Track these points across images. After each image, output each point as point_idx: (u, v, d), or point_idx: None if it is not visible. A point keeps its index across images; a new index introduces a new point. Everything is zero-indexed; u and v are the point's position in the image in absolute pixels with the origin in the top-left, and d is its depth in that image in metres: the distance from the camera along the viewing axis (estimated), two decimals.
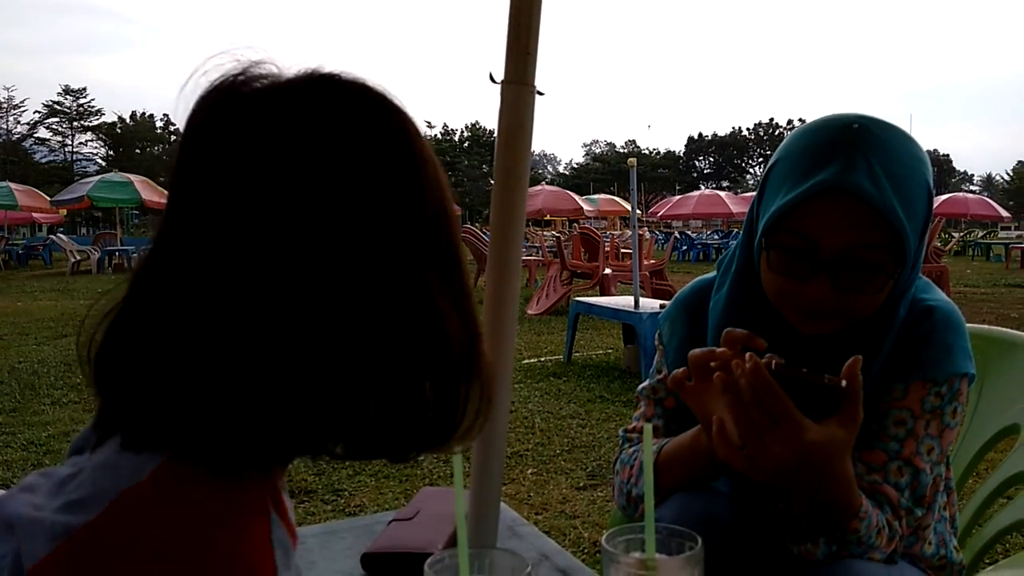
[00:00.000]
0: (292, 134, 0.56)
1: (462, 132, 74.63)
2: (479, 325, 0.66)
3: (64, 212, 27.17)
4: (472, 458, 1.17)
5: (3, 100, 61.82)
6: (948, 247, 17.69)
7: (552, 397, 5.19)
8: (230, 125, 0.57)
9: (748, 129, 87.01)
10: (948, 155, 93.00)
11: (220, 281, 0.55)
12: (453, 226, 0.63)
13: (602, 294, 8.86)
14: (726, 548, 1.00)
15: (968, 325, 1.13)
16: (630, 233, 7.24)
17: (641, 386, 1.29)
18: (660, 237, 24.16)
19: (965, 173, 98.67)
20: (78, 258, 18.07)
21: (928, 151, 1.07)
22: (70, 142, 66.07)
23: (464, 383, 0.63)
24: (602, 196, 34.68)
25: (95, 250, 18.82)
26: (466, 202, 54.75)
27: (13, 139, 61.88)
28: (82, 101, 65.28)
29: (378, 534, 1.26)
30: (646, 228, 21.62)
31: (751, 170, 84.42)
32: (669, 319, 1.28)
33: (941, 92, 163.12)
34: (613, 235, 15.17)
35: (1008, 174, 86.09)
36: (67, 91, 64.63)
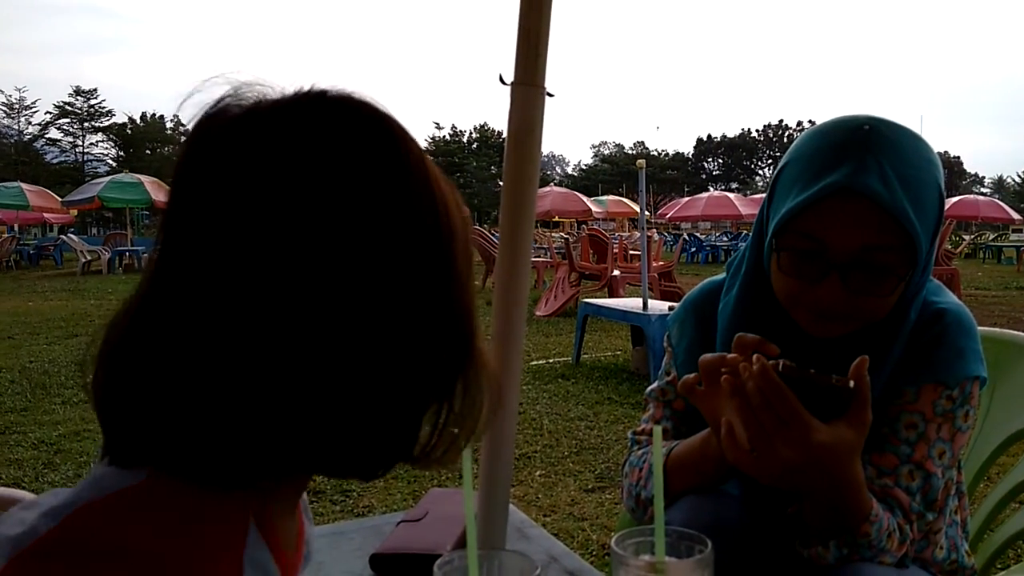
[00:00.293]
0: (280, 154, 0.55)
1: (470, 133, 74.69)
2: (479, 337, 0.64)
3: (75, 212, 27.35)
4: (481, 460, 1.17)
5: (15, 101, 62.25)
6: (959, 250, 17.60)
7: (560, 399, 5.18)
8: (218, 149, 0.57)
9: (757, 131, 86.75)
10: (959, 157, 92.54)
11: (212, 301, 0.54)
12: (452, 238, 0.61)
13: (610, 296, 8.85)
14: (736, 551, 1.00)
15: (980, 329, 1.13)
16: (639, 235, 7.23)
17: (650, 388, 1.29)
18: (669, 239, 24.11)
19: (976, 175, 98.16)
20: (89, 258, 18.17)
21: (939, 153, 1.07)
22: (81, 143, 66.46)
23: (463, 397, 0.63)
24: (611, 198, 34.66)
25: (106, 250, 18.92)
26: (474, 203, 54.75)
27: (24, 140, 62.28)
28: (93, 102, 65.62)
29: (387, 535, 1.26)
30: (655, 230, 21.59)
31: (760, 172, 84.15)
32: (678, 321, 1.27)
33: (952, 94, 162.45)
34: (622, 237, 15.15)
35: (1020, 176, 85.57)
36: (78, 92, 64.98)
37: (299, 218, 0.54)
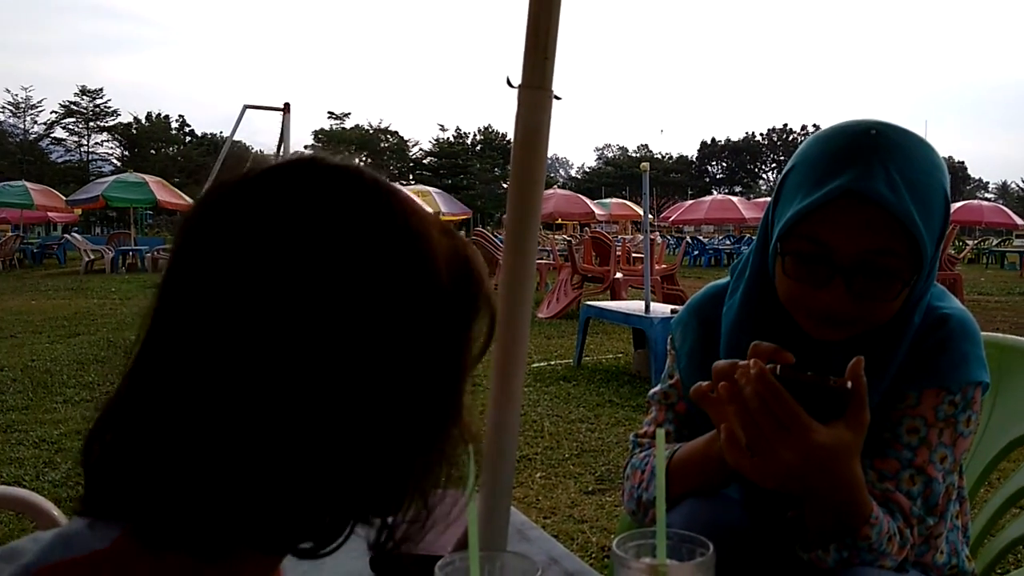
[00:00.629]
0: (268, 224, 0.54)
1: (474, 135, 74.75)
2: (462, 410, 0.62)
3: (79, 212, 27.38)
4: (483, 462, 1.17)
5: (21, 100, 62.33)
6: (962, 255, 17.56)
7: (561, 401, 5.18)
8: (209, 222, 0.56)
9: (761, 134, 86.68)
10: (963, 162, 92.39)
11: (199, 374, 0.54)
12: (445, 301, 0.58)
13: (613, 298, 8.86)
14: (737, 554, 1.00)
15: (983, 334, 1.13)
16: (641, 237, 7.24)
17: (652, 391, 1.29)
18: (672, 242, 24.10)
19: (980, 180, 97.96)
20: (92, 257, 18.20)
21: (943, 158, 1.07)
22: (86, 142, 66.57)
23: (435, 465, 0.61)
24: (614, 200, 34.69)
25: (109, 249, 18.97)
26: (477, 205, 54.77)
27: (30, 139, 62.39)
28: (98, 102, 65.69)
29: None
30: (658, 233, 21.58)
31: (764, 176, 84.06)
32: (681, 325, 1.27)
33: (957, 99, 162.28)
34: (624, 239, 15.16)
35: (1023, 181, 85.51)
36: (84, 91, 65.08)
37: (286, 291, 0.53)
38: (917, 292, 1.05)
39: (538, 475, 3.74)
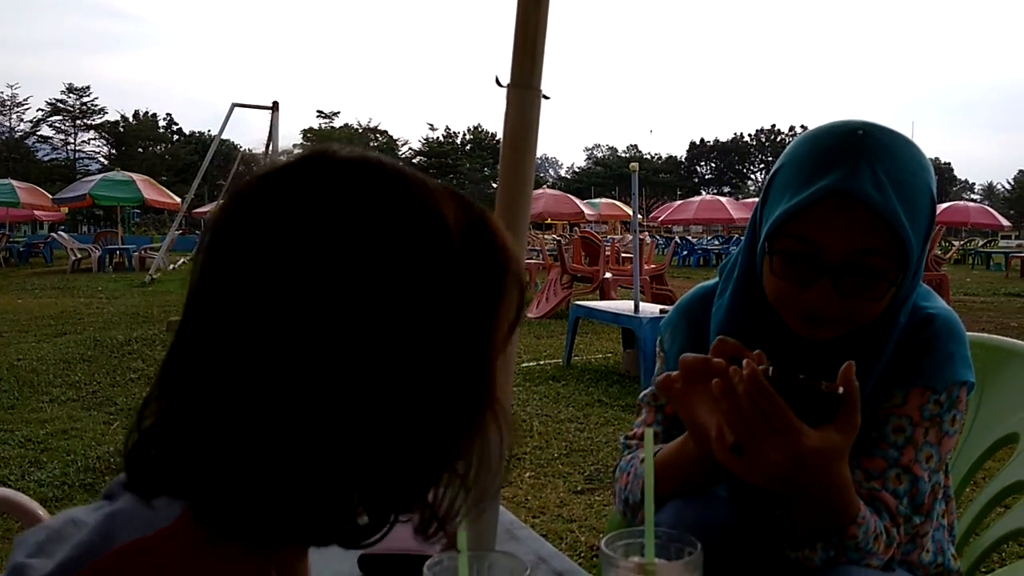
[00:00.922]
0: (290, 220, 0.56)
1: (464, 135, 74.69)
2: (495, 402, 0.63)
3: (66, 210, 27.20)
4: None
5: (7, 98, 61.97)
6: (948, 255, 17.67)
7: (551, 401, 5.18)
8: (235, 222, 0.58)
9: (750, 135, 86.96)
10: (949, 163, 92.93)
11: (242, 369, 0.55)
12: (468, 279, 0.59)
13: (602, 298, 8.87)
14: (724, 553, 1.00)
15: (969, 334, 1.14)
16: (631, 237, 7.25)
17: (643, 393, 1.29)
18: (661, 242, 24.14)
19: (966, 182, 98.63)
20: (79, 256, 18.08)
21: (929, 159, 1.08)
22: (73, 140, 66.14)
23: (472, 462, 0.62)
24: (603, 200, 34.76)
25: (96, 248, 18.84)
26: None
27: (16, 137, 61.90)
28: (85, 99, 65.28)
29: None
30: (647, 233, 21.62)
31: (752, 176, 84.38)
32: (670, 326, 1.28)
33: (943, 100, 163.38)
34: (614, 239, 15.19)
35: (1009, 183, 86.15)
36: (71, 89, 64.63)
37: (314, 284, 0.54)
38: (903, 292, 1.06)
39: (527, 475, 3.74)
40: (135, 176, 22.00)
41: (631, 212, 6.56)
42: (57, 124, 64.60)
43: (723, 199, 31.33)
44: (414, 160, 67.97)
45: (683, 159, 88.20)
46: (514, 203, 1.13)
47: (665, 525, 0.90)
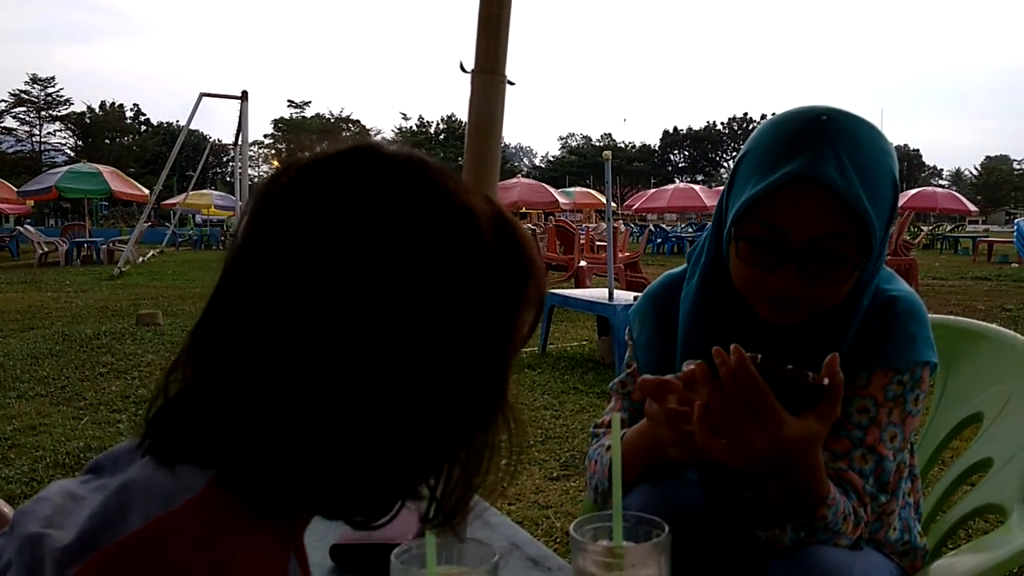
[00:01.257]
0: (333, 208, 0.58)
1: (438, 124, 74.37)
2: (507, 390, 0.66)
3: (32, 203, 26.68)
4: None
5: None
6: (917, 240, 17.95)
7: (526, 388, 5.19)
8: (280, 204, 0.60)
9: (722, 123, 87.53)
10: (918, 150, 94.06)
11: (275, 343, 0.57)
12: (495, 279, 0.62)
13: (577, 286, 8.89)
14: (693, 535, 1.01)
15: (935, 316, 1.15)
16: (605, 226, 7.27)
17: (612, 382, 1.30)
18: (635, 230, 24.24)
19: (935, 168, 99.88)
20: (46, 250, 17.76)
21: (899, 146, 1.10)
22: (38, 132, 64.86)
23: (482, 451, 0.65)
24: (578, 189, 34.74)
25: (63, 242, 18.50)
26: None
27: None
28: (50, 90, 63.99)
29: (347, 526, 1.25)
30: (621, 221, 21.70)
31: (725, 164, 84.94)
32: (639, 314, 1.28)
33: (913, 88, 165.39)
34: (588, 228, 15.22)
35: (976, 169, 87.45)
36: (35, 80, 63.32)
37: (348, 269, 0.57)
38: (866, 275, 1.07)
39: (502, 462, 3.75)
40: (102, 168, 21.63)
41: (605, 200, 6.57)
42: (21, 115, 63.34)
43: (696, 187, 31.49)
44: None
45: (657, 148, 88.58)
46: (481, 189, 1.12)
47: (634, 508, 0.91)
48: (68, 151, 63.62)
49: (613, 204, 6.66)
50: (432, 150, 66.72)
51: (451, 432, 0.62)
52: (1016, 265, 16.68)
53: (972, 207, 27.45)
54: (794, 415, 0.92)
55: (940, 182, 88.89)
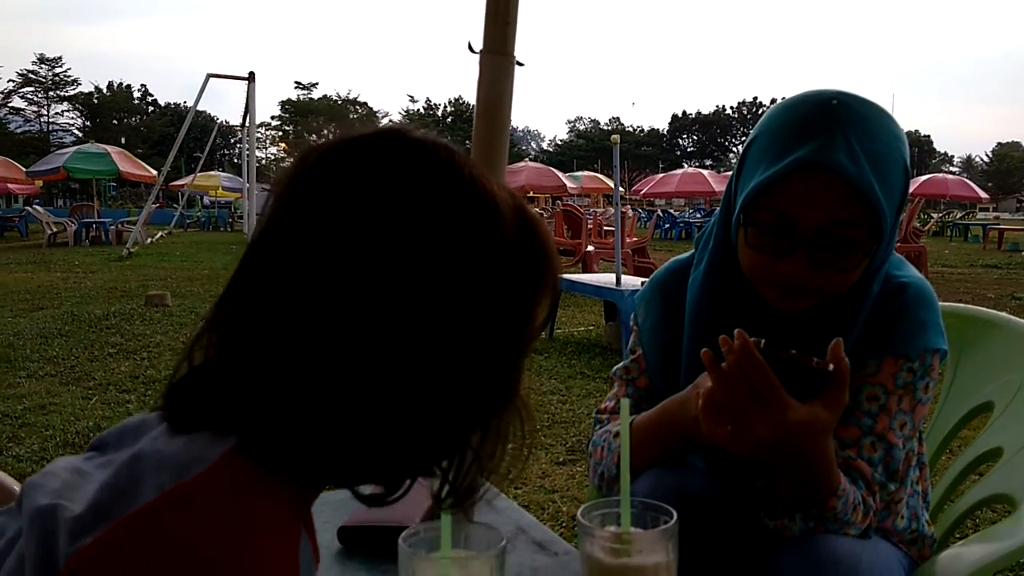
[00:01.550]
0: (360, 188, 0.60)
1: (445, 106, 74.07)
2: (521, 379, 0.67)
3: (40, 183, 26.77)
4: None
5: None
6: (927, 228, 17.84)
7: (533, 373, 5.20)
8: (305, 183, 0.62)
9: (732, 108, 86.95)
10: (929, 136, 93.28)
11: (299, 315, 0.59)
12: (513, 268, 0.63)
13: (584, 271, 8.87)
14: (701, 522, 1.01)
15: (945, 304, 1.14)
16: (613, 211, 7.24)
17: (615, 367, 1.29)
18: (643, 215, 24.16)
19: (945, 154, 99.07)
20: (54, 230, 17.82)
21: (909, 132, 1.08)
22: (46, 112, 64.91)
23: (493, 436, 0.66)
24: (585, 173, 34.63)
25: (72, 222, 18.56)
26: None
27: None
28: (58, 70, 64.00)
29: (355, 508, 1.25)
30: (629, 206, 21.64)
31: (734, 149, 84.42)
32: (644, 300, 1.28)
33: (924, 73, 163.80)
34: (596, 213, 15.17)
35: (988, 156, 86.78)
36: (42, 60, 63.34)
37: (372, 245, 0.59)
38: (876, 261, 1.06)
39: (509, 447, 3.76)
40: (110, 149, 21.69)
41: (613, 185, 6.54)
42: (29, 95, 63.40)
43: (705, 172, 31.35)
44: None
45: (665, 132, 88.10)
46: (488, 172, 1.11)
47: (641, 495, 0.90)
48: (76, 131, 63.69)
49: (621, 189, 6.64)
50: (440, 133, 66.48)
51: (464, 413, 0.63)
52: None
53: (983, 194, 27.24)
54: (801, 402, 0.91)
55: (951, 169, 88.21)
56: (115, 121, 65.35)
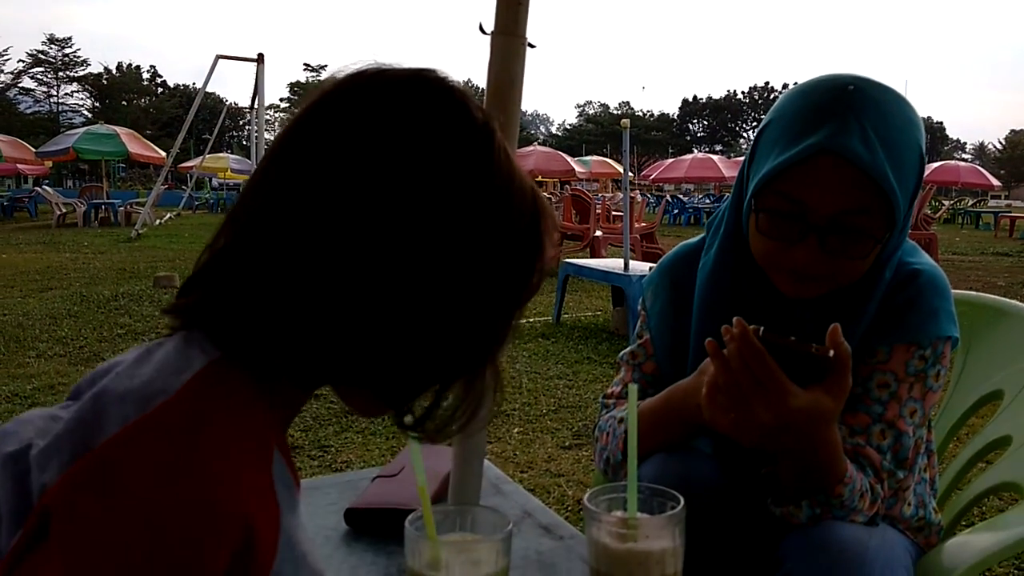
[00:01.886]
0: (388, 125, 0.62)
1: None
2: (505, 336, 0.69)
3: (50, 164, 26.81)
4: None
5: None
6: (938, 215, 17.72)
7: (540, 358, 5.20)
8: (331, 109, 0.63)
9: (743, 92, 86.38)
10: (942, 122, 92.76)
11: (306, 231, 0.60)
12: (515, 244, 0.65)
13: (592, 256, 8.85)
14: (707, 508, 1.01)
15: (956, 292, 1.13)
16: (621, 196, 7.22)
17: (622, 352, 1.29)
18: (652, 200, 24.09)
19: (958, 141, 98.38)
20: (64, 211, 17.87)
21: (922, 118, 1.06)
22: (55, 93, 64.96)
23: (465, 390, 0.68)
24: (594, 158, 34.49)
25: (81, 203, 18.61)
26: None
27: None
28: (67, 51, 64.01)
29: (362, 490, 1.26)
30: (638, 191, 21.55)
31: (745, 134, 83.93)
32: (652, 285, 1.27)
33: (938, 59, 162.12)
34: (604, 197, 15.13)
35: (1000, 143, 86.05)
36: (52, 40, 63.31)
37: (399, 178, 0.60)
38: (889, 249, 1.05)
39: (516, 430, 3.77)
40: (119, 130, 21.66)
41: (622, 170, 6.51)
42: (39, 76, 63.44)
43: (715, 157, 31.18)
44: None
45: (675, 116, 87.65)
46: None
47: (648, 480, 0.90)
48: (85, 112, 63.75)
49: (630, 174, 6.61)
50: None
51: (446, 351, 0.65)
52: None
53: (995, 181, 27.01)
54: (803, 389, 0.91)
55: (963, 156, 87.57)
56: (124, 102, 65.34)
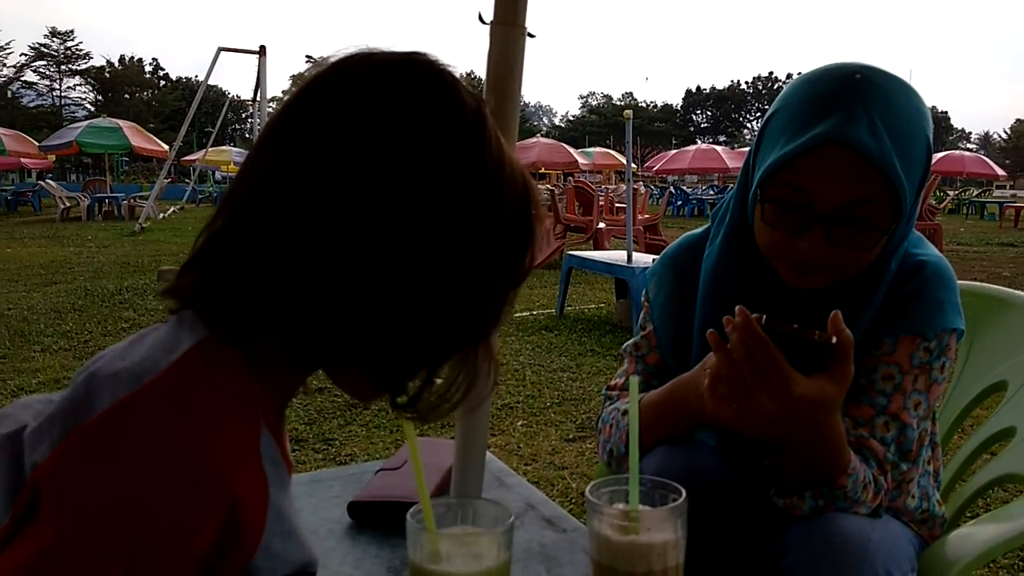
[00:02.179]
0: (377, 108, 0.62)
1: None
2: (496, 327, 0.69)
3: (53, 158, 26.84)
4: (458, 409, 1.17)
5: None
6: (943, 205, 17.66)
7: (543, 350, 5.20)
8: (324, 92, 0.64)
9: (747, 83, 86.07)
10: (946, 112, 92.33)
11: (298, 211, 0.61)
12: (508, 225, 0.65)
13: (595, 248, 8.85)
14: (710, 500, 1.01)
15: (960, 283, 1.12)
16: (624, 187, 7.20)
17: (626, 344, 1.29)
18: (655, 192, 24.03)
19: (963, 131, 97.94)
20: (68, 204, 17.91)
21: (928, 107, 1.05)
22: (58, 86, 64.98)
23: (461, 368, 0.68)
24: (598, 149, 34.41)
25: (85, 196, 18.64)
26: None
27: (0, 82, 60.76)
28: (70, 44, 64.01)
29: (365, 483, 1.26)
30: (641, 183, 21.50)
31: (748, 125, 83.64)
32: (656, 276, 1.27)
33: (943, 47, 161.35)
34: (608, 189, 15.11)
35: (1006, 133, 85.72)
36: (54, 33, 63.32)
37: (391, 160, 0.61)
38: (895, 240, 1.04)
39: (519, 423, 3.77)
40: (122, 123, 21.70)
41: (625, 161, 6.50)
42: (41, 69, 63.47)
43: (719, 148, 31.08)
44: None
45: (679, 107, 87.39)
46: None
47: (651, 472, 0.90)
48: (88, 106, 63.78)
49: (633, 165, 6.59)
50: None
51: (435, 330, 0.65)
52: None
53: (1000, 171, 26.93)
54: (806, 377, 0.91)
55: (968, 146, 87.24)
56: (127, 95, 65.37)
